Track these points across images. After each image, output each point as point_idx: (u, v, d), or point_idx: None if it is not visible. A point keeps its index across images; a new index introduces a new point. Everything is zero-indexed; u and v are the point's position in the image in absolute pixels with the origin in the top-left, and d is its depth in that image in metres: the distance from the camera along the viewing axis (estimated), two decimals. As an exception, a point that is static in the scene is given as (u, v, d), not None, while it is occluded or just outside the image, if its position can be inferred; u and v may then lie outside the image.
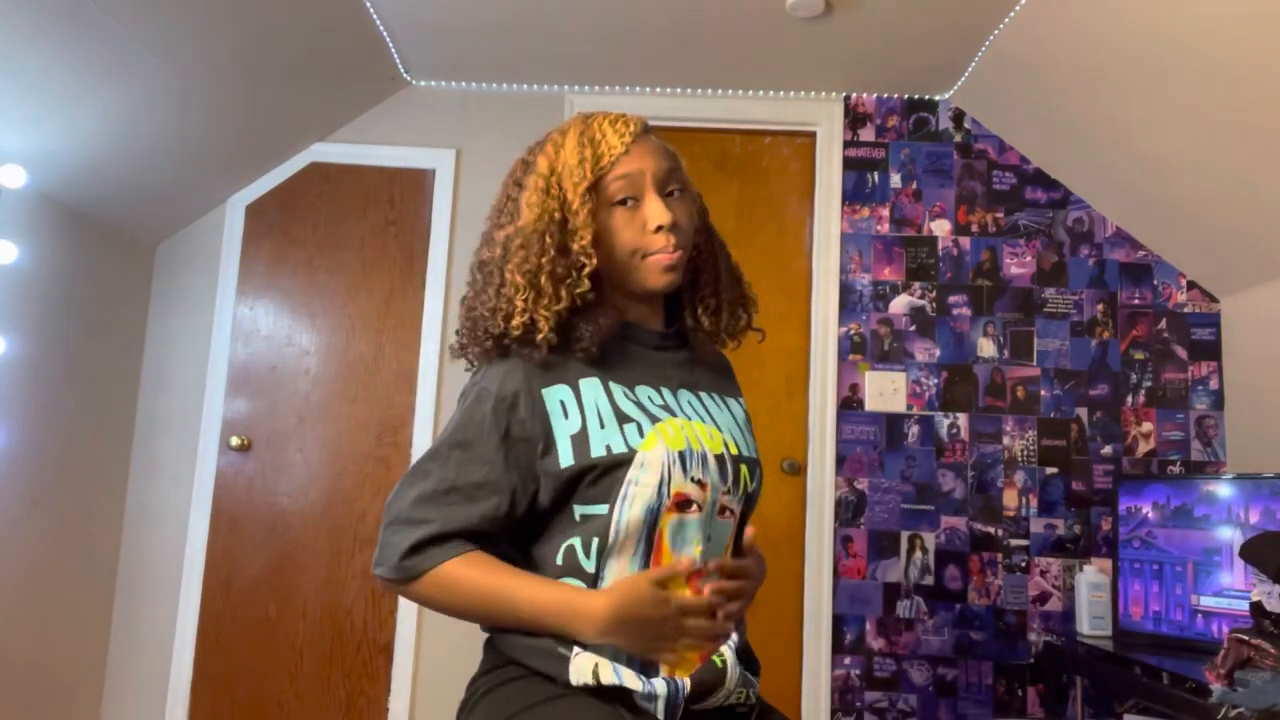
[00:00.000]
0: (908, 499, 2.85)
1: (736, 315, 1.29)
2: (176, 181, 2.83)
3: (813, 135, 3.04)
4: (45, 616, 2.59)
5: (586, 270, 1.14)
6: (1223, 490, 2.30)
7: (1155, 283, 2.91)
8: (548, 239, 1.14)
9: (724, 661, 1.11)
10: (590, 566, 1.11)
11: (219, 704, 2.86)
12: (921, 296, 2.93)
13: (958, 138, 2.99)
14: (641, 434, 1.13)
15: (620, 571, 1.11)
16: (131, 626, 2.90)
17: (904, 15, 2.50)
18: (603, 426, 1.13)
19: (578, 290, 1.14)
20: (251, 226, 3.05)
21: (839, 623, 2.81)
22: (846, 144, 3.00)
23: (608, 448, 1.11)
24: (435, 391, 2.93)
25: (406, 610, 2.86)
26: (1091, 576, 2.61)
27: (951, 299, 2.93)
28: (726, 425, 1.22)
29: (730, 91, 3.03)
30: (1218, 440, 2.82)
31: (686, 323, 1.28)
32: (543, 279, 1.13)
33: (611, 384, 1.17)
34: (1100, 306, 2.91)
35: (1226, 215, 2.53)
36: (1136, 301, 2.90)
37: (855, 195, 2.98)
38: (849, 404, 2.89)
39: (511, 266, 1.15)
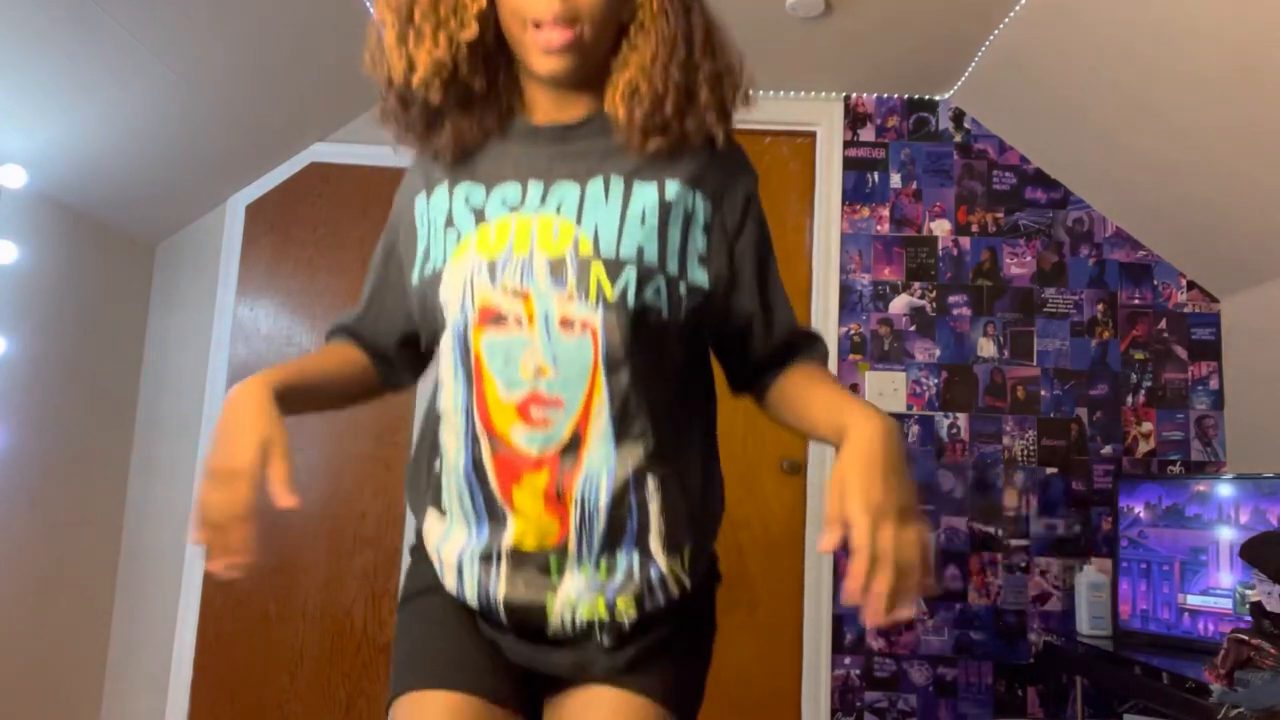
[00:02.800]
0: (908, 499, 2.84)
1: (673, 106, 1.01)
2: (176, 181, 2.83)
3: (813, 135, 3.04)
4: (45, 616, 2.59)
5: (471, 12, 0.98)
6: (1214, 490, 2.31)
7: (1155, 283, 2.91)
8: None
9: (548, 608, 0.99)
10: (439, 402, 1.05)
11: (219, 704, 2.86)
12: (921, 296, 2.93)
13: (958, 138, 2.99)
14: (459, 240, 1.00)
15: (446, 401, 1.01)
16: (131, 626, 2.89)
17: (904, 15, 2.50)
18: (433, 240, 1.03)
19: (462, 36, 0.97)
20: (251, 226, 3.05)
21: (839, 623, 2.81)
22: (846, 144, 3.00)
23: (432, 264, 1.02)
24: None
25: (406, 610, 2.86)
26: (1091, 576, 2.60)
27: (951, 299, 2.93)
28: (597, 218, 0.98)
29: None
30: (1218, 440, 2.82)
31: (604, 107, 1.02)
32: (417, 15, 0.98)
33: (461, 185, 1.03)
34: (1100, 306, 2.90)
35: (1226, 215, 2.53)
36: (1136, 301, 2.90)
37: (855, 195, 2.98)
38: (849, 404, 2.89)
39: (381, 2, 1.01)
